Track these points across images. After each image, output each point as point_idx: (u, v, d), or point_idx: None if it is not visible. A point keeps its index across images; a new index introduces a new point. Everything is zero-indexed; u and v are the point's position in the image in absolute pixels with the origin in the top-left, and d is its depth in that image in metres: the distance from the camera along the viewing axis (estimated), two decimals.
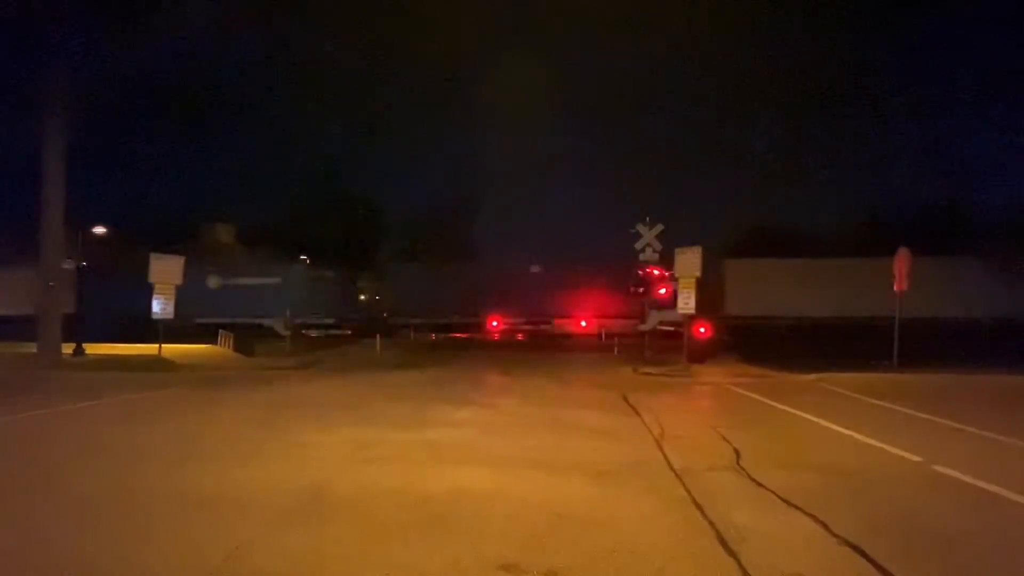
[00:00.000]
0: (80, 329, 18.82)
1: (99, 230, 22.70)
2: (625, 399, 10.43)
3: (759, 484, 5.19)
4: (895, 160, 45.63)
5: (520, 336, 27.34)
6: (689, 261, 15.72)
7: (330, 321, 27.45)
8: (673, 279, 17.26)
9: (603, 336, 26.03)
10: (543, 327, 26.81)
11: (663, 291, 18.07)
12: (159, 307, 17.35)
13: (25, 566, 3.62)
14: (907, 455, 6.24)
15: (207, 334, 23.20)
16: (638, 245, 18.32)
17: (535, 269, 25.86)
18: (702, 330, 17.59)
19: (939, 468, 5.71)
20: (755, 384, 12.91)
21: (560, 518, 4.31)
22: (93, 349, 18.69)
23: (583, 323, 26.55)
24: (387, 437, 7.17)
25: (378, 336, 24.65)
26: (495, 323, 26.65)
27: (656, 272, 17.94)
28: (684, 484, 5.19)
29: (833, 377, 13.36)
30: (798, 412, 9.13)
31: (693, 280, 15.58)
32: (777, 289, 21.87)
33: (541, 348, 24.11)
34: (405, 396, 10.89)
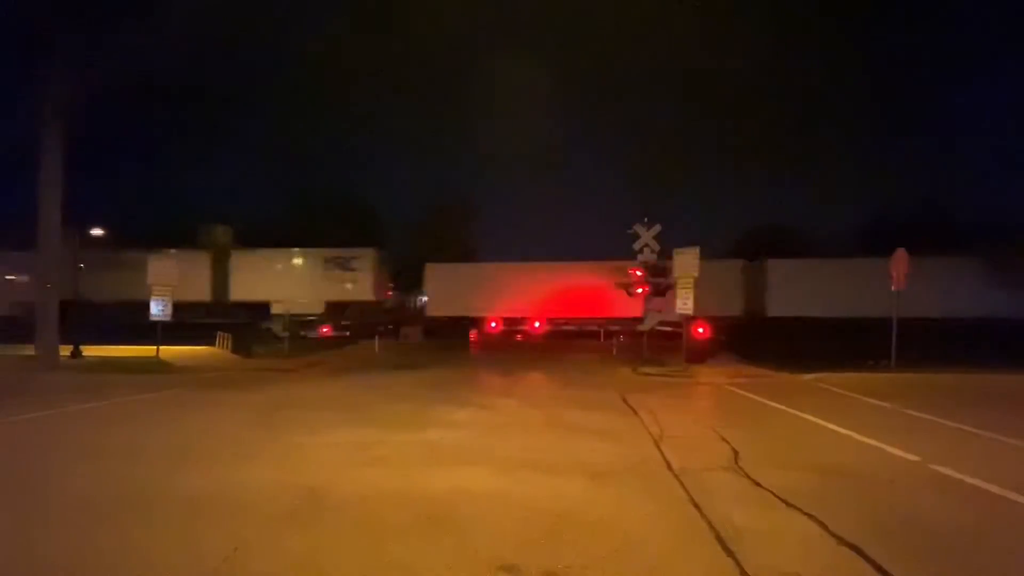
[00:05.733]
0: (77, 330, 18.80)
1: (97, 231, 22.68)
2: (624, 399, 10.44)
3: (757, 484, 5.21)
4: (894, 164, 45.89)
5: (519, 337, 27.34)
6: (687, 261, 15.72)
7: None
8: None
9: (602, 336, 26.08)
10: (542, 327, 26.82)
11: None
12: (157, 308, 17.34)
13: (25, 567, 3.62)
14: (905, 455, 6.26)
15: (205, 335, 23.15)
16: (636, 245, 18.34)
17: (534, 268, 25.88)
18: (701, 330, 17.60)
19: (937, 468, 5.73)
20: (753, 384, 12.92)
21: (559, 519, 4.31)
22: (90, 351, 18.66)
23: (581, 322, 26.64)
24: (386, 438, 7.18)
25: (376, 337, 24.67)
26: (493, 324, 26.67)
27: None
28: (683, 484, 5.20)
29: (831, 377, 13.37)
30: (796, 412, 9.15)
31: (691, 280, 15.59)
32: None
33: (540, 348, 24.11)
34: (404, 397, 10.89)
